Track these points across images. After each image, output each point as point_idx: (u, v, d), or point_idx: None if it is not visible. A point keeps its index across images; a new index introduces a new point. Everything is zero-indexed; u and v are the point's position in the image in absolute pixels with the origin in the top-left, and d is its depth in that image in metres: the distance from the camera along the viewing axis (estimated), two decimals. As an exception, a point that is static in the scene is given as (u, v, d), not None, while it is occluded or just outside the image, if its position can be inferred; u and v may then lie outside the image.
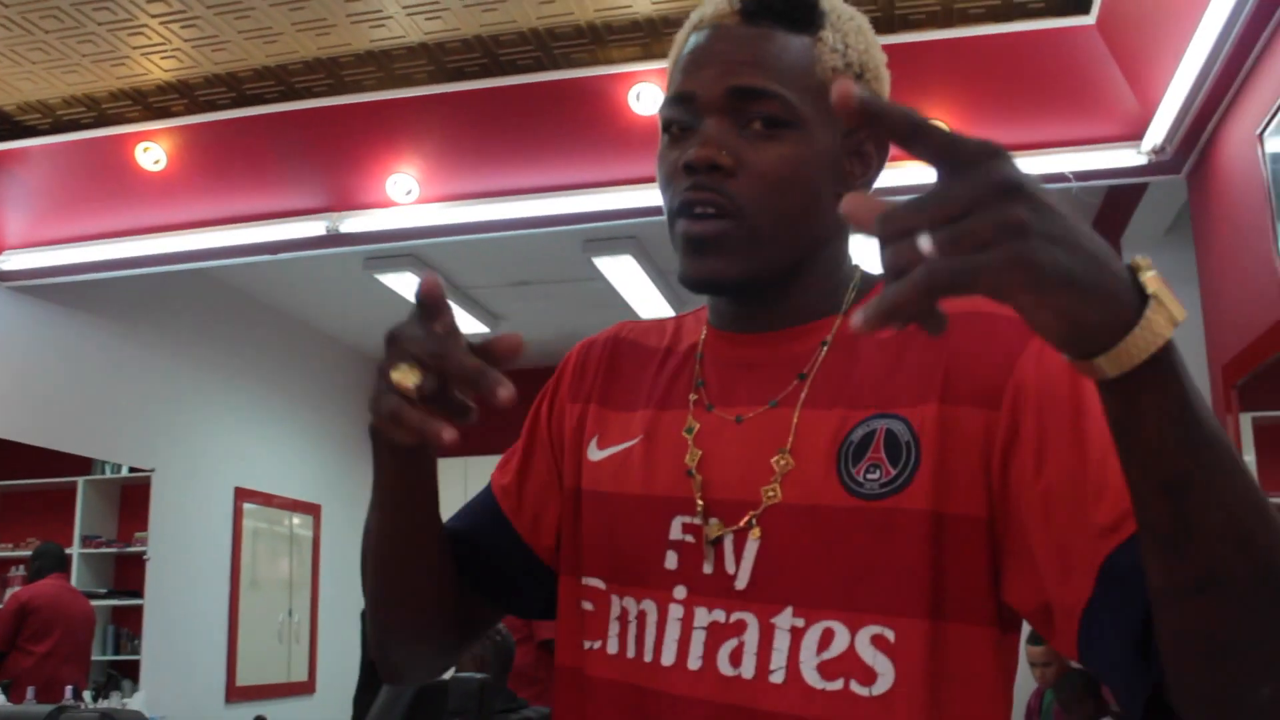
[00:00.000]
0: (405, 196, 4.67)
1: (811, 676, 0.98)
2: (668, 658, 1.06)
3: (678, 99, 1.08)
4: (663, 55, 4.06)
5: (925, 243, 0.62)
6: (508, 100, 4.52)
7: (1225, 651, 0.76)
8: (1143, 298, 0.67)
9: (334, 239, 4.82)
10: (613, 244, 5.87)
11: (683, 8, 4.19)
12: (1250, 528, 0.72)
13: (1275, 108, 3.30)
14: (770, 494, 1.04)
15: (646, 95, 4.31)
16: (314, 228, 4.78)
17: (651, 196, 4.70)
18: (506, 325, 7.50)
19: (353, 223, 4.78)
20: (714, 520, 1.06)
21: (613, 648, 1.10)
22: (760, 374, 1.11)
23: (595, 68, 4.42)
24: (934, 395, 1.00)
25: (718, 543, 1.05)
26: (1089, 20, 4.05)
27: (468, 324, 7.22)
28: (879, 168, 1.15)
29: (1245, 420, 3.86)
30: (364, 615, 5.25)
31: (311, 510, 7.51)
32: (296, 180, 4.80)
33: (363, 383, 8.24)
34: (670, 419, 1.14)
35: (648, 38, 4.38)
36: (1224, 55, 3.51)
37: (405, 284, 6.28)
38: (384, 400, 0.90)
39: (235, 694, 6.56)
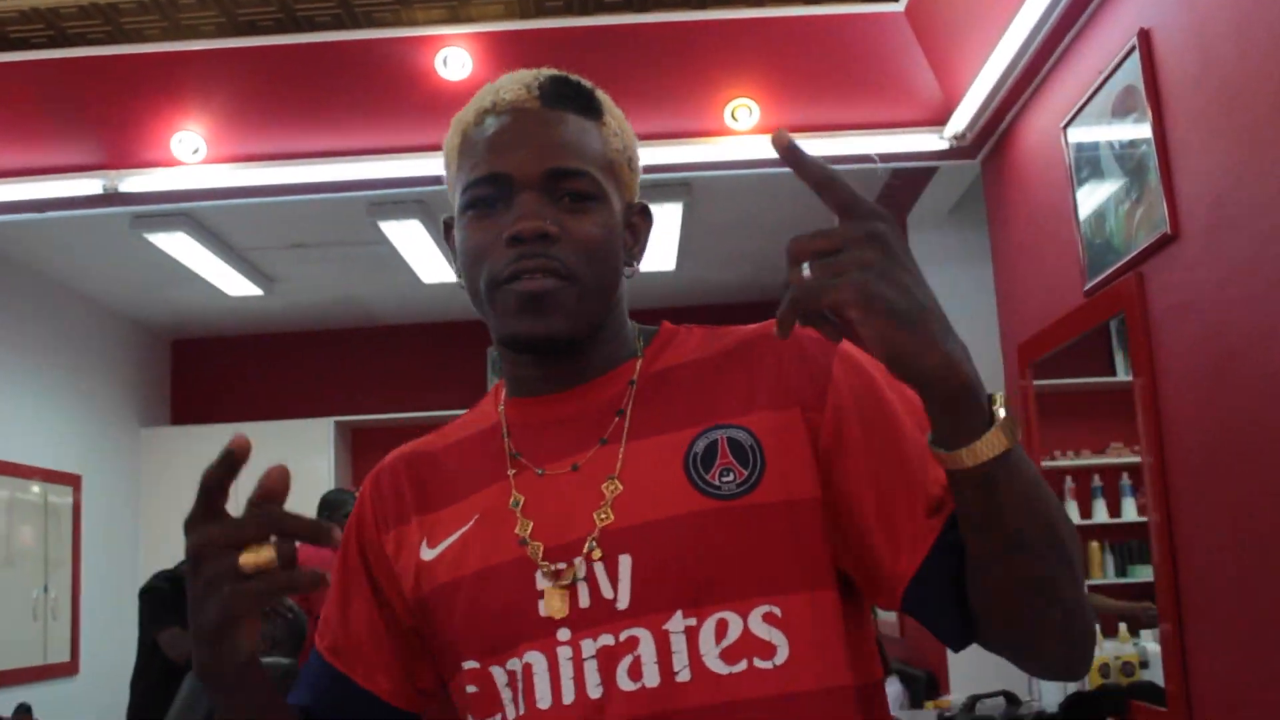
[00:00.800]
0: (192, 156, 4.38)
1: (716, 665, 1.07)
2: (567, 696, 1.09)
3: (490, 179, 1.16)
4: (470, 19, 3.94)
5: (804, 270, 0.85)
6: (305, 59, 4.30)
7: (1032, 590, 0.99)
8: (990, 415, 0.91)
9: (110, 198, 4.49)
10: (400, 208, 5.68)
11: (495, -29, 4.07)
12: (1039, 505, 0.96)
13: (1079, 103, 3.43)
14: (602, 516, 1.12)
15: (454, 59, 4.17)
16: (89, 185, 4.44)
17: (439, 165, 4.60)
18: (282, 287, 7.22)
19: (132, 182, 4.45)
20: (577, 560, 1.12)
21: (511, 714, 1.14)
22: (580, 424, 1.20)
23: (400, 29, 4.24)
24: (764, 404, 1.14)
25: (588, 577, 1.11)
26: (898, 8, 4.12)
27: (240, 286, 6.91)
28: (645, 239, 1.29)
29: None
30: (142, 593, 5.03)
31: (70, 480, 7.06)
32: (69, 134, 4.45)
33: (124, 346, 7.81)
34: (495, 493, 1.20)
35: (455, 1, 4.23)
36: (1030, 52, 3.64)
37: (176, 244, 5.94)
38: (232, 598, 0.95)
39: (-13, 680, 6.12)
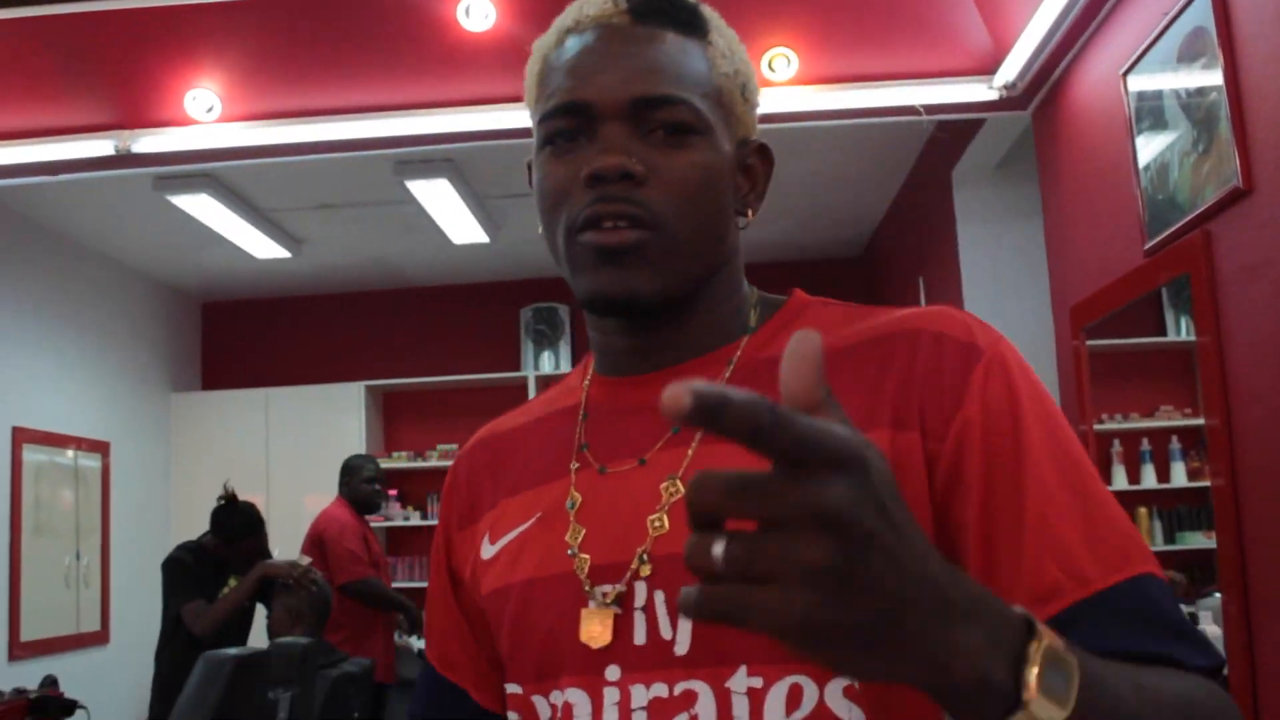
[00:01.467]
0: (206, 114, 4.24)
1: None
2: None
3: (568, 108, 0.98)
4: (493, -32, 3.73)
5: (718, 549, 0.54)
6: (323, 11, 4.13)
7: None
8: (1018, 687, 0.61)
9: (123, 159, 4.35)
10: (427, 167, 5.54)
11: (518, -84, 3.88)
12: None
13: (1139, 50, 3.23)
14: (656, 524, 0.94)
15: (476, 9, 3.99)
16: (101, 147, 4.30)
17: (473, 120, 4.47)
18: (310, 249, 7.10)
19: (146, 142, 4.32)
20: (639, 585, 0.94)
21: None
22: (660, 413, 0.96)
23: (419, -24, 4.07)
24: (884, 421, 0.91)
25: (647, 607, 0.93)
26: (946, -51, 3.92)
27: (267, 249, 6.78)
28: (764, 185, 1.08)
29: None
30: (165, 565, 4.95)
31: (100, 448, 7.00)
32: (79, 93, 4.31)
33: (154, 310, 7.72)
34: (555, 490, 1.04)
35: (478, -53, 4.05)
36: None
37: (199, 206, 5.83)
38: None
39: (19, 650, 6.08)
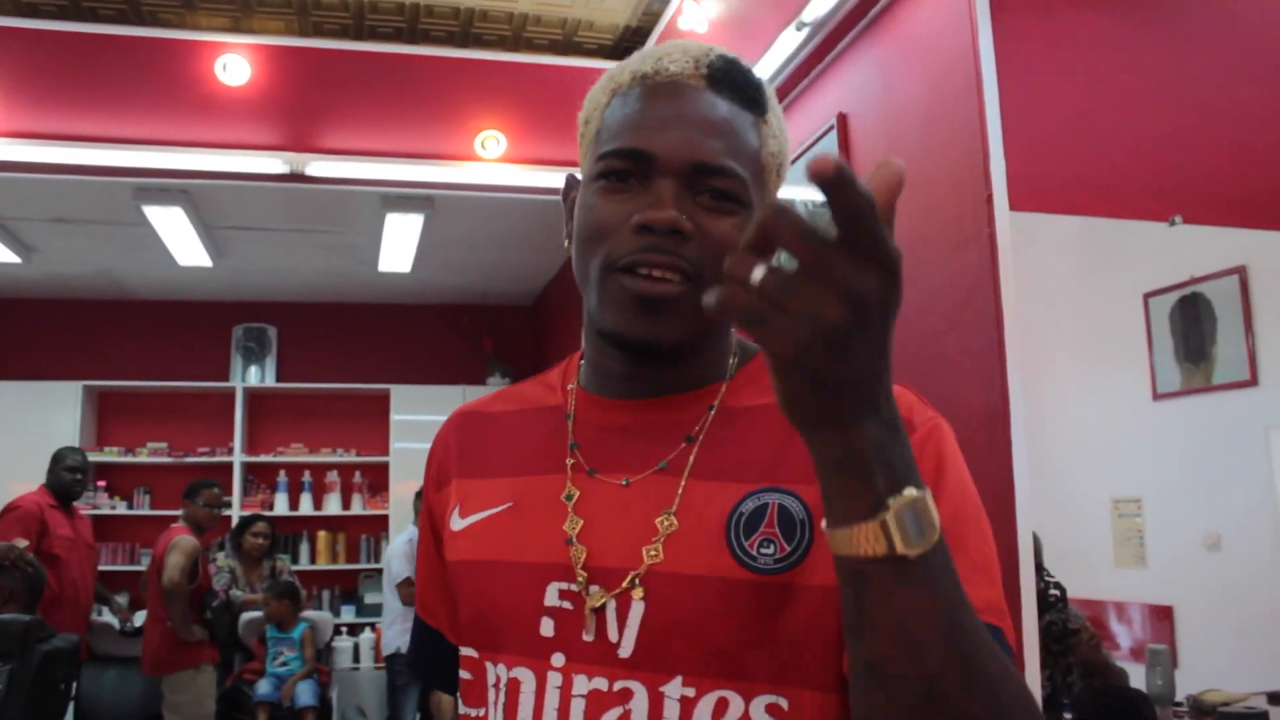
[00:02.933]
0: (-39, 127, 3.86)
1: None
2: None
3: (631, 154, 0.90)
4: (250, 30, 3.63)
5: (758, 274, 0.58)
6: (86, 47, 3.86)
7: None
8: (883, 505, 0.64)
9: None
10: (165, 195, 5.22)
11: (279, -10, 3.77)
12: (923, 643, 0.65)
13: (781, 166, 3.48)
14: (652, 554, 0.88)
15: (234, 66, 3.84)
16: None
17: (215, 160, 4.28)
18: (40, 258, 6.52)
19: (-105, 145, 3.88)
20: (595, 588, 0.89)
21: (494, 718, 0.92)
22: (647, 438, 0.94)
23: (184, 31, 3.87)
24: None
25: (599, 610, 0.88)
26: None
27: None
28: None
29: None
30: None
31: None
32: None
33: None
34: (542, 484, 0.96)
35: (239, 12, 3.90)
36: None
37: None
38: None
39: None
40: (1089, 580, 4.87)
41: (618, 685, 0.86)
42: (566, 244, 0.98)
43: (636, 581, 0.87)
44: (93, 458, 7.12)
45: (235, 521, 6.30)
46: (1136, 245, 4.73)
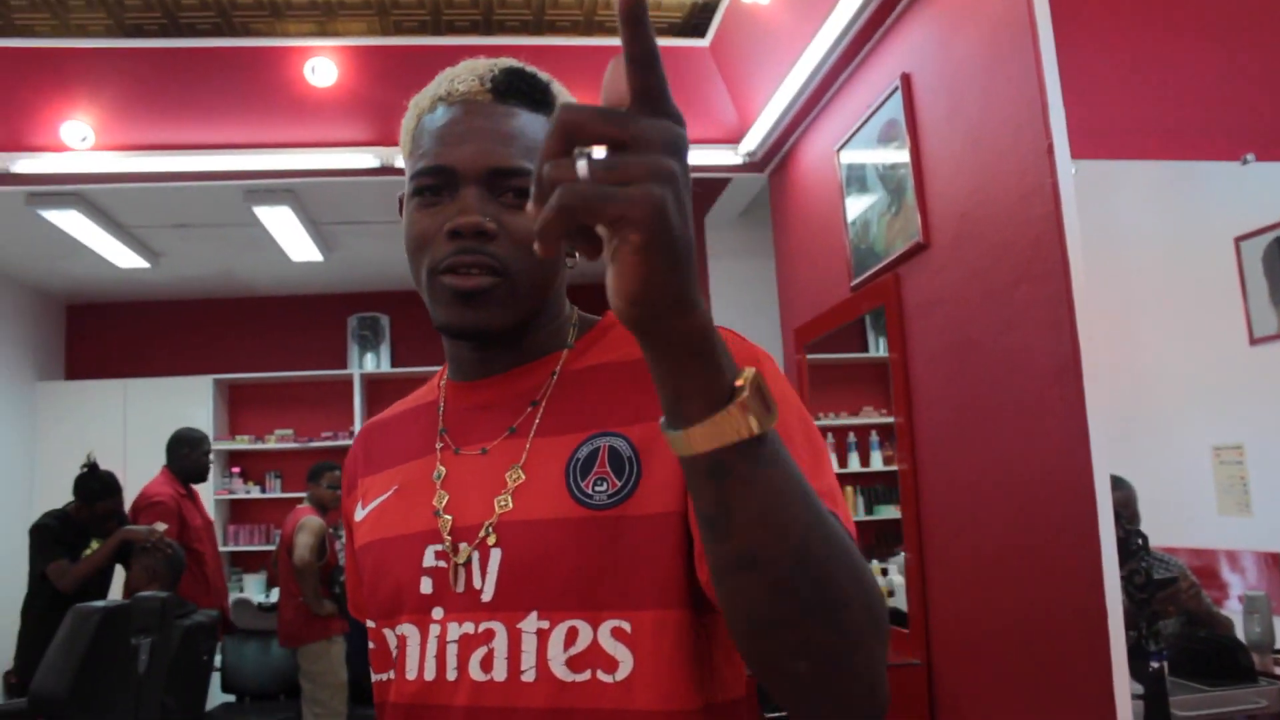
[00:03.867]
0: (81, 143, 4.02)
1: (561, 671, 0.90)
2: (429, 673, 0.96)
3: (435, 171, 0.98)
4: (335, 33, 3.69)
5: (582, 166, 0.56)
6: (189, 62, 3.98)
7: (764, 627, 0.69)
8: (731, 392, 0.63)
9: (4, 178, 4.09)
10: (272, 195, 5.36)
11: (359, -7, 3.82)
12: (787, 519, 0.66)
13: (851, 130, 3.41)
14: (502, 503, 0.96)
15: (322, 69, 3.91)
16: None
17: (314, 159, 4.38)
18: (167, 262, 6.76)
19: (24, 164, 4.07)
20: (462, 545, 0.97)
21: (394, 676, 1.02)
22: (499, 410, 1.03)
23: (274, 39, 3.96)
24: (653, 413, 0.89)
25: (466, 564, 0.96)
26: (704, 43, 4.04)
27: (130, 260, 6.43)
28: None
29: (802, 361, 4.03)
30: (32, 530, 4.65)
31: (-26, 431, 6.50)
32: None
33: (24, 311, 7.23)
34: (418, 467, 1.06)
35: (324, 16, 3.97)
36: (812, 86, 3.60)
37: (69, 221, 5.47)
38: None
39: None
40: (1194, 529, 4.68)
41: (482, 626, 0.93)
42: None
43: (490, 529, 0.95)
44: (225, 446, 7.40)
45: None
46: (1224, 188, 4.50)
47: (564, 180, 0.56)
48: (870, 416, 4.07)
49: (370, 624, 1.05)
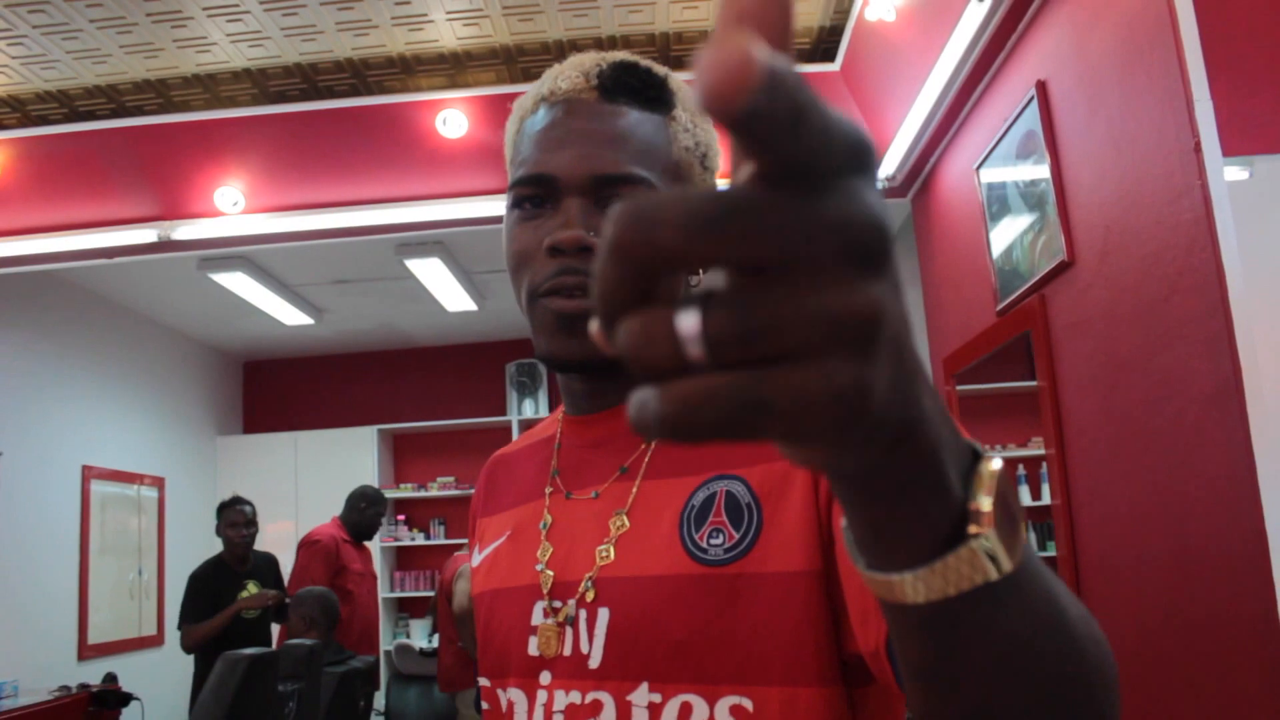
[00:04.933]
0: (232, 207, 4.20)
1: None
2: None
3: (536, 179, 0.86)
4: (465, 84, 3.73)
5: (688, 322, 0.29)
6: (327, 122, 4.10)
7: None
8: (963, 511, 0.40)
9: (166, 245, 4.30)
10: (422, 248, 5.49)
11: (483, 43, 3.86)
12: (1038, 659, 0.45)
13: (989, 147, 3.22)
14: (604, 555, 0.84)
15: (452, 120, 3.97)
16: (146, 235, 4.25)
17: (456, 209, 4.44)
18: (330, 318, 7.04)
19: (184, 230, 4.27)
20: (568, 601, 0.86)
21: None
22: (612, 448, 0.91)
23: (406, 95, 4.04)
24: (770, 452, 0.78)
25: (571, 622, 0.85)
26: (834, 68, 3.92)
27: (295, 317, 6.71)
28: None
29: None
30: (188, 579, 4.86)
31: (157, 482, 6.88)
32: (129, 192, 4.25)
33: (202, 367, 7.64)
34: (531, 511, 0.96)
35: (452, 69, 4.04)
36: (945, 105, 3.44)
37: (236, 282, 5.76)
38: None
39: (87, 651, 5.93)
40: None
41: (590, 697, 0.82)
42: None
43: (590, 584, 0.84)
44: (390, 494, 7.59)
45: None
46: None
47: (662, 362, 0.30)
48: (1040, 447, 3.83)
49: (484, 682, 0.94)
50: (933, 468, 0.38)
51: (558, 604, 0.86)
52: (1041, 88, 2.79)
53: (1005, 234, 3.17)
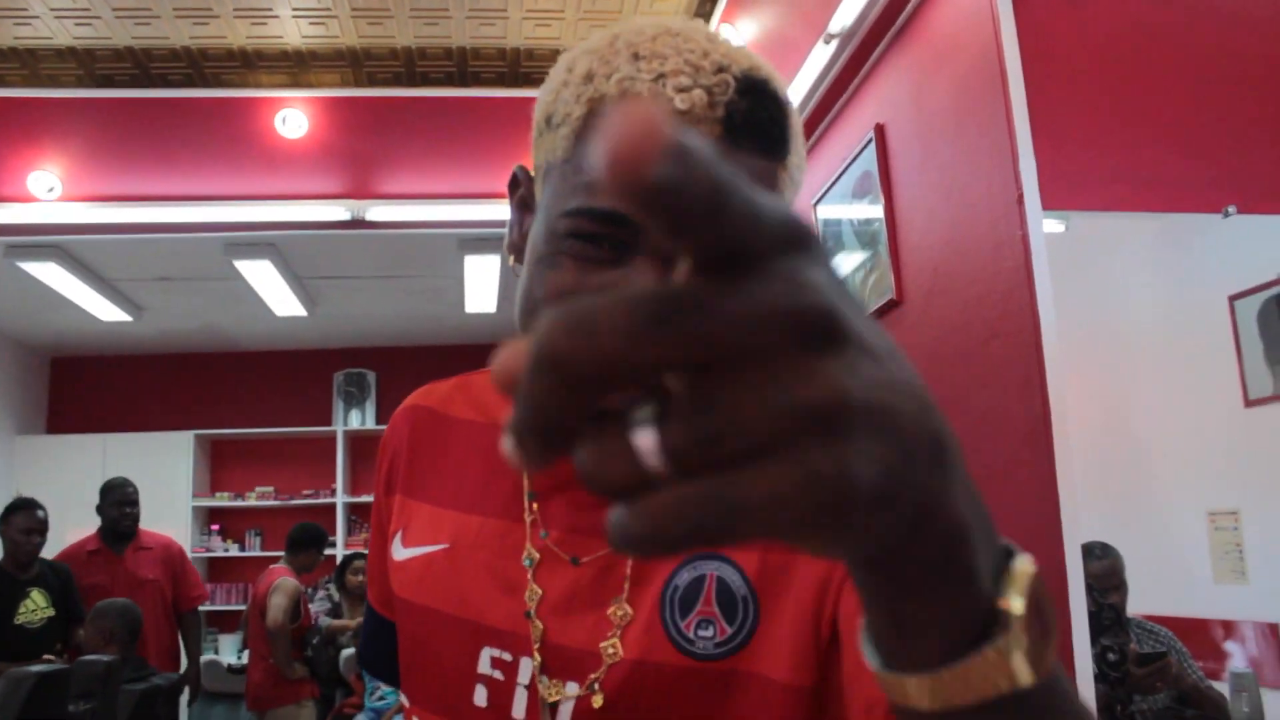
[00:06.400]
0: (47, 193, 3.95)
1: None
2: None
3: (610, 217, 0.63)
4: (308, 84, 3.62)
5: (645, 436, 0.27)
6: (159, 112, 3.92)
7: None
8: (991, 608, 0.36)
9: (-31, 228, 4.02)
10: (253, 249, 5.28)
11: (329, 44, 3.76)
12: None
13: (827, 184, 3.33)
14: (610, 652, 0.71)
15: (292, 119, 3.85)
16: (-53, 216, 3.97)
17: (291, 211, 4.31)
18: (150, 316, 6.68)
19: (-5, 214, 4.00)
20: (552, 681, 0.72)
21: None
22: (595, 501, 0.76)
23: (245, 90, 3.90)
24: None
25: (553, 707, 0.72)
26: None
27: (111, 313, 6.35)
28: None
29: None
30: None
31: (-55, 484, 6.39)
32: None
33: (5, 363, 7.15)
34: (486, 529, 0.79)
35: (295, 67, 3.91)
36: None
37: (49, 273, 5.40)
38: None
39: None
40: (1189, 598, 4.53)
41: None
42: (512, 260, 0.75)
43: (597, 686, 0.71)
44: (206, 503, 7.26)
45: (339, 560, 6.33)
46: (1216, 244, 4.41)
47: (616, 482, 0.28)
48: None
49: (404, 700, 0.82)
50: (961, 552, 0.34)
51: (549, 681, 0.73)
52: (880, 131, 2.90)
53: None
